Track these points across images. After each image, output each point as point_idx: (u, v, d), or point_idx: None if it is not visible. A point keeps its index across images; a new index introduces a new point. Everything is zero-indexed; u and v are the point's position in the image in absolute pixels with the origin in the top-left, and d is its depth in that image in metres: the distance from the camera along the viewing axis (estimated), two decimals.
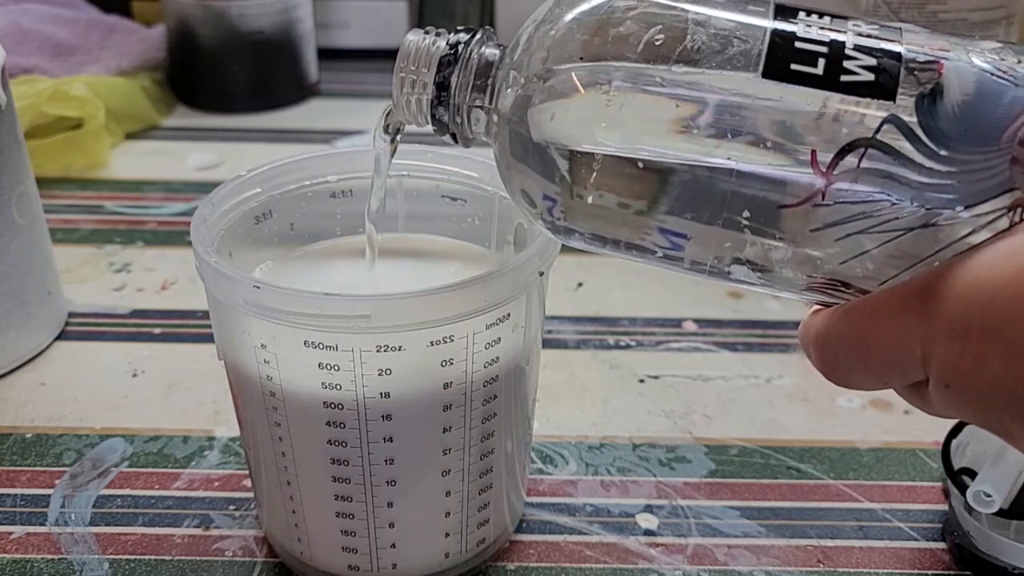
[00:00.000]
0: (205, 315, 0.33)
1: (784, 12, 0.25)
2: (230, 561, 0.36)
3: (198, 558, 0.36)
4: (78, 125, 0.66)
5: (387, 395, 0.30)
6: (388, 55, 1.08)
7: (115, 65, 0.74)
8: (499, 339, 0.31)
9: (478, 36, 0.29)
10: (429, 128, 0.29)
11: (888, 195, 0.23)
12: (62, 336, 0.49)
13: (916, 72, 0.23)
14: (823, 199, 0.23)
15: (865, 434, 0.43)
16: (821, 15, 0.25)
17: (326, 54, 0.84)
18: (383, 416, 0.30)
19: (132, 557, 0.36)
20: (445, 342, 0.29)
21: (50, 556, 0.36)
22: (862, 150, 0.23)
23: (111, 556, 0.36)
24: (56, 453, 0.41)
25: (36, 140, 0.63)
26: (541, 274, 0.31)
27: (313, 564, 0.34)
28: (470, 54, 0.28)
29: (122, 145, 0.71)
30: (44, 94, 0.64)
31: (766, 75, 0.24)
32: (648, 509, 0.39)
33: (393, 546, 0.33)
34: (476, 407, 0.31)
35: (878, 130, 0.23)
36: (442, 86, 0.28)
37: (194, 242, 0.30)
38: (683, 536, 0.37)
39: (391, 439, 0.30)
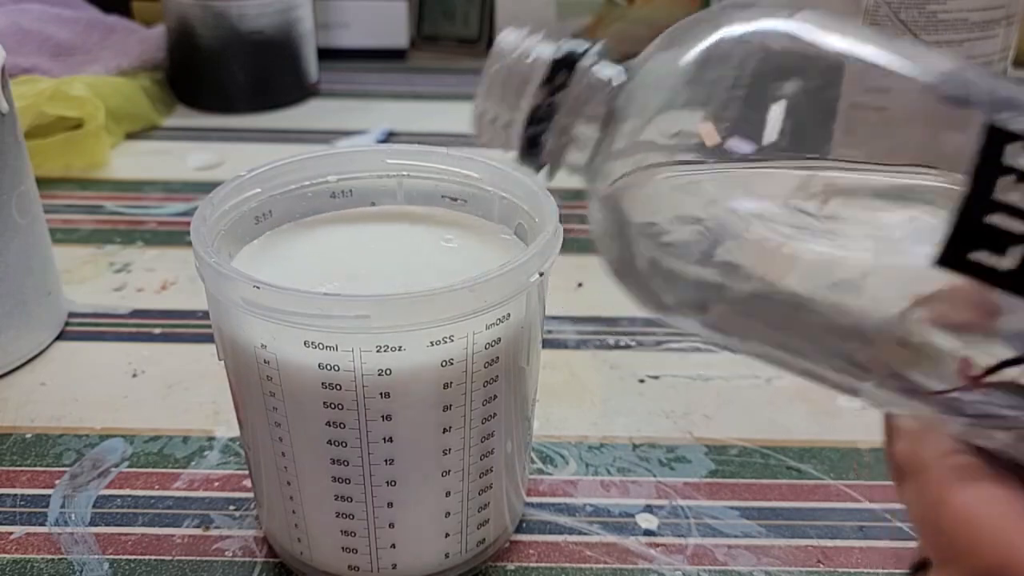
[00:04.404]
0: (205, 315, 0.33)
1: (997, 138, 0.18)
2: (230, 561, 0.36)
3: (198, 558, 0.36)
4: (78, 125, 0.66)
5: (387, 395, 0.30)
6: (388, 55, 1.07)
7: (115, 65, 0.74)
8: (499, 339, 0.31)
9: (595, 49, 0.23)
10: (510, 149, 0.25)
11: None
12: (62, 336, 0.49)
13: None
14: (964, 399, 0.20)
15: (866, 434, 0.43)
16: None
17: (326, 54, 0.84)
18: (383, 416, 0.30)
19: (132, 557, 0.36)
20: (445, 342, 0.29)
21: (50, 556, 0.36)
22: None
23: (111, 556, 0.36)
24: (56, 453, 0.41)
25: (36, 140, 0.63)
26: (541, 274, 0.31)
27: (313, 564, 0.34)
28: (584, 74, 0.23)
29: (122, 145, 0.71)
30: (44, 94, 0.64)
31: (942, 262, 0.18)
32: (648, 509, 0.39)
33: (393, 546, 0.33)
34: (476, 407, 0.31)
35: None
36: (541, 108, 0.23)
37: (194, 242, 0.30)
38: (683, 536, 0.37)
39: (391, 439, 0.30)
